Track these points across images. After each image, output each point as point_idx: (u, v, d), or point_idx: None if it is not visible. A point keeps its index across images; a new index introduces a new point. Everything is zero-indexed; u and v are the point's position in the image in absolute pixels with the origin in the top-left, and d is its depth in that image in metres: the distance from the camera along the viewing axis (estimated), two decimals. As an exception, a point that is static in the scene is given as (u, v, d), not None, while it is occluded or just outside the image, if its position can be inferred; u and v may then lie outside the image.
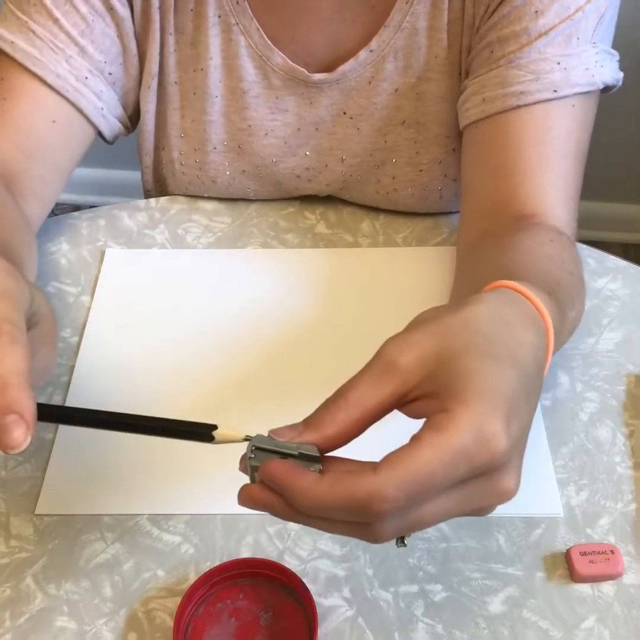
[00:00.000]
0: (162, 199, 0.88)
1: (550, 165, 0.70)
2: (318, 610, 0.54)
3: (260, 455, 0.44)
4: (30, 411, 0.42)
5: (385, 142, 0.81)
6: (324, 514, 0.41)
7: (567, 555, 0.59)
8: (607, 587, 0.58)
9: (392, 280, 0.79)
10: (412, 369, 0.43)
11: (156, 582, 0.59)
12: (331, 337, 0.74)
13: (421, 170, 0.82)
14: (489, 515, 0.61)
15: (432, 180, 0.82)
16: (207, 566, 0.59)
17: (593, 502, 0.63)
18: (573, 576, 0.58)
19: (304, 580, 0.55)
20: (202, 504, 0.63)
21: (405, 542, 0.44)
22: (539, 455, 0.65)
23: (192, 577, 0.59)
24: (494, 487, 0.42)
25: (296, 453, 0.43)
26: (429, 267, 0.80)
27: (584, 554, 0.58)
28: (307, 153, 0.83)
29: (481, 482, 0.42)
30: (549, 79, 0.69)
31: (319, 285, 0.79)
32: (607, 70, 0.71)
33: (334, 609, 0.58)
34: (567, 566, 0.59)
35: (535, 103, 0.69)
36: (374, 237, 0.84)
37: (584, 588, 0.58)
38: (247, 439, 0.45)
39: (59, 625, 0.57)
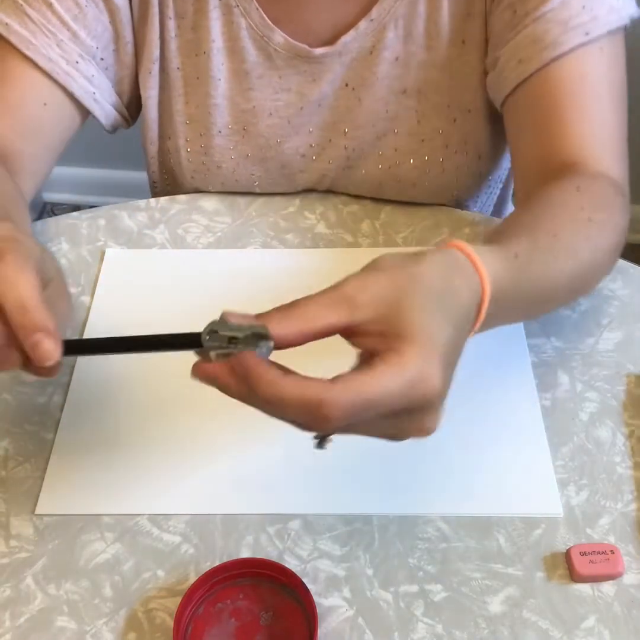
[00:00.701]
0: (162, 199, 0.88)
1: (587, 112, 0.71)
2: (318, 610, 0.54)
3: (215, 337, 0.48)
4: (54, 327, 0.47)
5: (387, 111, 0.82)
6: (281, 405, 0.46)
7: (567, 555, 0.59)
8: (607, 587, 0.58)
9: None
10: (366, 307, 0.48)
11: (156, 582, 0.59)
12: (331, 337, 0.74)
13: (422, 140, 0.82)
14: (489, 515, 0.62)
15: (433, 151, 0.83)
16: (207, 566, 0.59)
17: (593, 502, 0.63)
18: (573, 576, 0.58)
19: (304, 580, 0.55)
20: (202, 504, 0.63)
21: (325, 446, 0.49)
22: (539, 455, 0.65)
23: (192, 577, 0.59)
24: (420, 423, 0.48)
25: (249, 332, 0.47)
26: (429, 267, 0.80)
27: (584, 554, 0.58)
28: (311, 130, 0.84)
29: (411, 416, 0.47)
30: (577, 23, 0.70)
31: (319, 285, 0.78)
32: (628, 4, 0.72)
33: (334, 609, 0.58)
34: (567, 566, 0.59)
35: (569, 52, 0.70)
36: (374, 237, 0.84)
37: (584, 588, 0.58)
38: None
39: (59, 625, 0.57)
